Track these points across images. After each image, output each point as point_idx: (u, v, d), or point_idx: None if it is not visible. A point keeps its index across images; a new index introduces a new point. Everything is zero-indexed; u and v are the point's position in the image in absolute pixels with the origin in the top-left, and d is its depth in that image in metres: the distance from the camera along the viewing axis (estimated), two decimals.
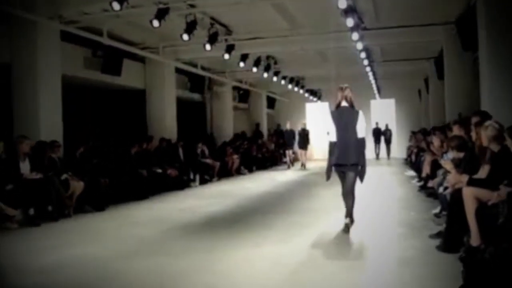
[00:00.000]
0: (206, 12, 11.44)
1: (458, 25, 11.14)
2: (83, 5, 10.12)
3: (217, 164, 15.21)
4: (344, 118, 6.57)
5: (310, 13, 12.01)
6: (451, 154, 6.97)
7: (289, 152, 20.11)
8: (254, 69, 15.86)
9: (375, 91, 23.18)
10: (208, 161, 14.92)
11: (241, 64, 14.86)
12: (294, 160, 20.73)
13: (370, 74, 18.33)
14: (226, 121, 20.38)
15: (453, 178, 5.47)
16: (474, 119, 6.16)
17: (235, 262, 5.30)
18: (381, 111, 25.63)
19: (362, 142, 6.54)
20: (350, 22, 10.32)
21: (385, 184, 12.97)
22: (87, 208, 8.91)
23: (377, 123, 24.51)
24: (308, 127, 19.94)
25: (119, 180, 10.07)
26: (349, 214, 6.67)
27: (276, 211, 8.86)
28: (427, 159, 10.24)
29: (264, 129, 24.40)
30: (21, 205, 7.55)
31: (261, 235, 6.64)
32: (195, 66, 16.26)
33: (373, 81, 20.34)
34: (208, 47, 12.08)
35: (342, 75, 17.35)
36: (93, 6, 10.11)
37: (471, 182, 4.95)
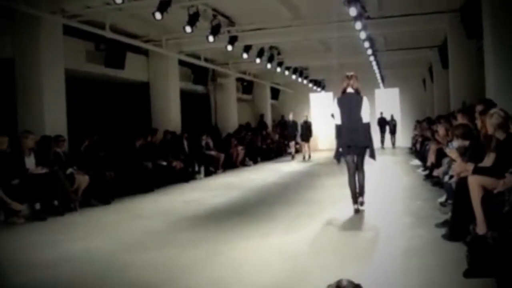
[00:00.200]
0: (208, 4, 11.38)
1: (462, 13, 11.03)
2: None
3: (222, 156, 15.23)
4: (349, 104, 6.81)
5: (313, 2, 11.96)
6: (456, 143, 6.92)
7: (292, 143, 20.07)
8: (258, 60, 15.81)
9: (379, 81, 23.05)
10: (213, 153, 14.95)
11: (245, 55, 14.85)
12: (297, 151, 20.69)
13: (374, 63, 18.20)
14: (230, 112, 20.33)
15: (459, 167, 5.44)
16: (479, 108, 6.12)
17: (242, 253, 5.32)
18: (385, 101, 25.61)
19: (367, 127, 6.76)
20: (353, 11, 10.25)
21: (391, 173, 12.95)
22: (92, 202, 8.94)
23: (381, 113, 24.47)
24: (310, 119, 19.87)
25: (124, 173, 10.10)
26: (361, 192, 7.02)
27: (281, 202, 8.87)
28: (432, 148, 10.19)
29: (269, 120, 24.38)
30: (27, 200, 7.59)
31: (267, 226, 6.66)
32: (198, 58, 16.24)
33: (377, 71, 20.24)
34: (211, 38, 12.04)
35: (346, 64, 17.21)
36: None
37: (477, 171, 4.92)
